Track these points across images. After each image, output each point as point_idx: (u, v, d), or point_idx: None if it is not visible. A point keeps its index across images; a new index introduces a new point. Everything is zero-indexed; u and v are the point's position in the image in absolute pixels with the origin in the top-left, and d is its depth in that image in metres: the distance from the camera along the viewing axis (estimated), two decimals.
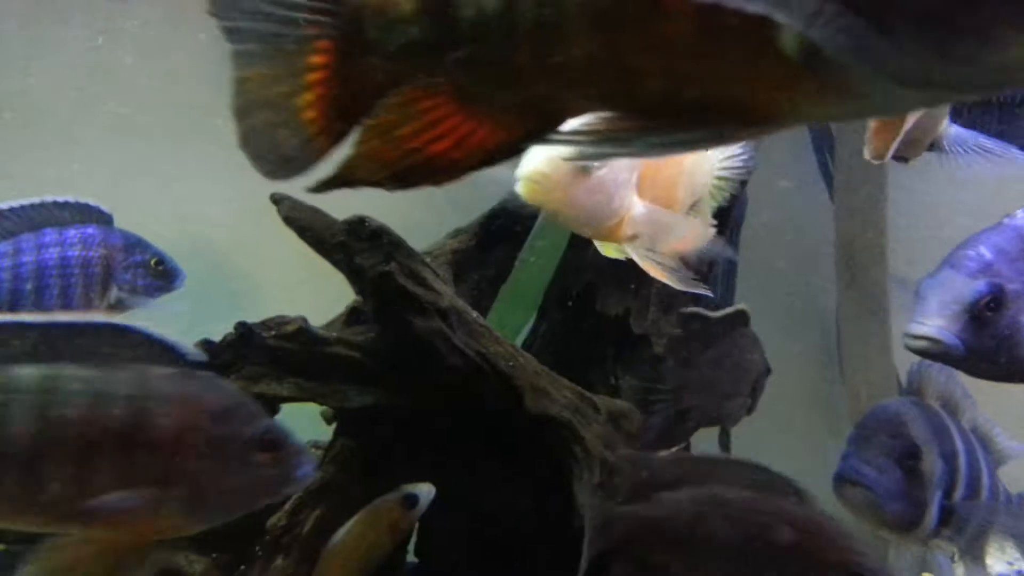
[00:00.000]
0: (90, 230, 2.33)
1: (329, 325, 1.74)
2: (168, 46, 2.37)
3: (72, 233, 2.31)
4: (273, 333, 1.62)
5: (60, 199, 2.29)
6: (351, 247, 1.62)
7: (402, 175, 0.71)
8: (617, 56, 0.63)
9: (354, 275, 1.67)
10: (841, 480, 1.47)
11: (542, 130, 0.71)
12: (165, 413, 1.09)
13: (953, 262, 1.41)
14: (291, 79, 0.74)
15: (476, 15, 0.68)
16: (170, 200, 2.42)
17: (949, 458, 1.50)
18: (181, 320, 2.39)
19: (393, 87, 0.72)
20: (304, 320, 1.67)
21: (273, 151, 0.75)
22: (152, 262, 2.33)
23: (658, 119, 0.63)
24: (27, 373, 1.07)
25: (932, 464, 1.47)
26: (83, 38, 2.39)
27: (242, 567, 1.63)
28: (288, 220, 1.74)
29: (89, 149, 2.42)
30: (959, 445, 1.52)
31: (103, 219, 2.34)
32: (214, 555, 1.59)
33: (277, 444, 1.17)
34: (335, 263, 1.76)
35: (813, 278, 2.54)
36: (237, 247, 2.46)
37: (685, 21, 0.59)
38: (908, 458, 1.46)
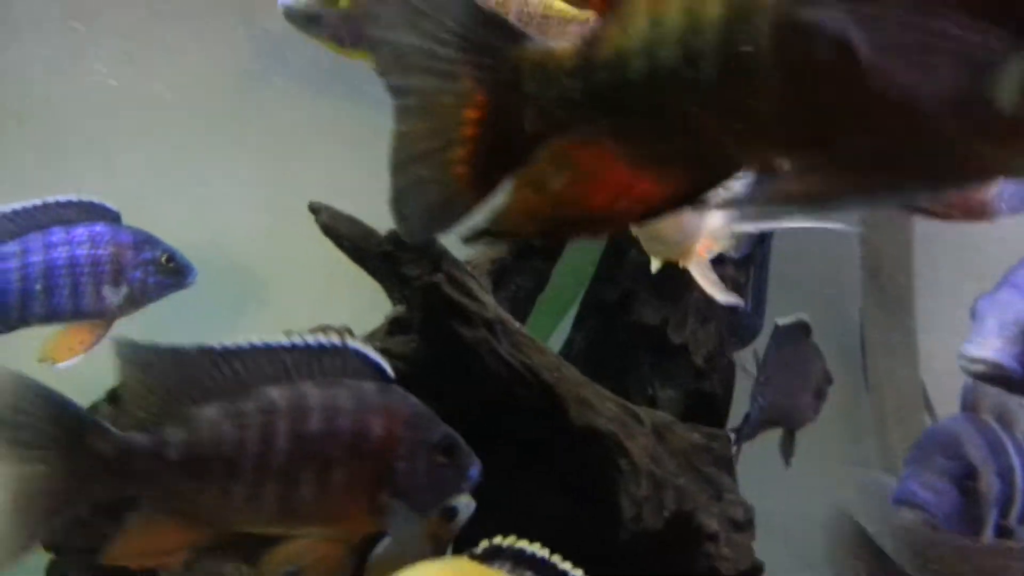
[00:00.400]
0: (99, 228, 2.29)
1: (371, 335, 1.76)
2: (195, 58, 2.38)
3: (80, 231, 2.28)
4: None
5: (63, 198, 2.26)
6: (397, 257, 1.64)
7: (554, 228, 0.72)
8: (814, 113, 0.62)
9: (399, 285, 1.69)
10: (900, 503, 1.51)
11: (713, 183, 0.70)
12: (378, 423, 1.28)
13: (1013, 282, 1.42)
14: (446, 133, 0.75)
15: (649, 68, 0.68)
16: (195, 211, 2.43)
17: (1005, 475, 1.55)
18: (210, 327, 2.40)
19: (545, 140, 0.73)
20: (348, 330, 1.68)
21: (420, 208, 0.77)
22: (163, 259, 2.28)
23: (856, 175, 0.62)
24: (278, 393, 1.25)
25: (989, 483, 1.52)
26: (109, 51, 2.40)
27: None
28: (326, 229, 1.76)
29: (111, 158, 2.43)
30: (1015, 461, 1.56)
31: (110, 216, 2.32)
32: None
33: (454, 447, 1.35)
34: (373, 272, 1.78)
35: (838, 287, 2.58)
36: (263, 256, 2.47)
37: (893, 70, 0.57)
38: (965, 478, 1.51)
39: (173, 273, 2.32)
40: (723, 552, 1.63)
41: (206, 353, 1.24)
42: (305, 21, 1.77)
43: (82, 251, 2.29)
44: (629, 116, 0.70)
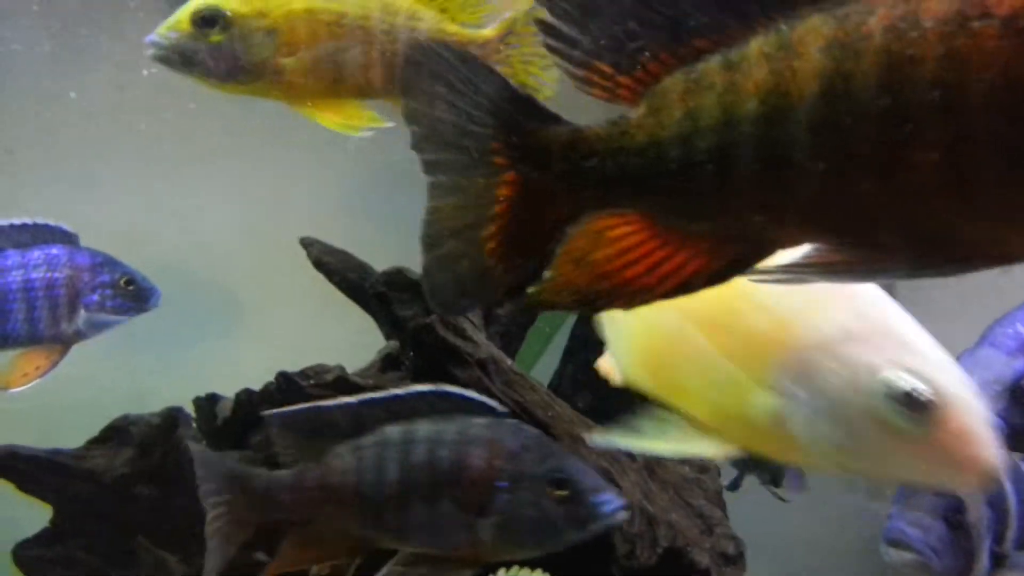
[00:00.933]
0: (55, 250, 2.32)
1: (364, 372, 1.86)
2: (185, 85, 2.48)
3: (36, 255, 2.30)
4: (312, 382, 1.75)
5: (17, 221, 2.32)
6: (390, 298, 1.75)
7: (591, 299, 0.79)
8: (853, 198, 0.68)
9: (392, 325, 1.81)
10: (889, 543, 1.65)
11: (749, 258, 0.76)
12: (477, 454, 1.47)
13: (992, 340, 1.56)
14: (478, 210, 0.82)
15: (684, 154, 0.74)
16: (185, 236, 2.52)
17: (998, 503, 1.66)
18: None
19: (576, 219, 0.80)
20: (342, 368, 1.79)
21: (453, 283, 0.84)
22: (122, 281, 2.30)
23: (889, 257, 0.70)
24: (392, 430, 1.51)
25: (979, 514, 1.64)
26: (98, 83, 2.48)
27: None
28: (318, 264, 1.86)
29: (102, 188, 2.51)
30: (1008, 487, 1.69)
31: (67, 239, 2.37)
32: None
33: (567, 483, 1.45)
34: (365, 307, 1.89)
35: None
36: (252, 279, 2.56)
37: (932, 165, 0.64)
38: (953, 513, 1.64)
39: (133, 296, 2.34)
40: None
41: (337, 407, 1.55)
42: (175, 59, 1.73)
43: (37, 275, 2.32)
44: (662, 199, 0.78)
